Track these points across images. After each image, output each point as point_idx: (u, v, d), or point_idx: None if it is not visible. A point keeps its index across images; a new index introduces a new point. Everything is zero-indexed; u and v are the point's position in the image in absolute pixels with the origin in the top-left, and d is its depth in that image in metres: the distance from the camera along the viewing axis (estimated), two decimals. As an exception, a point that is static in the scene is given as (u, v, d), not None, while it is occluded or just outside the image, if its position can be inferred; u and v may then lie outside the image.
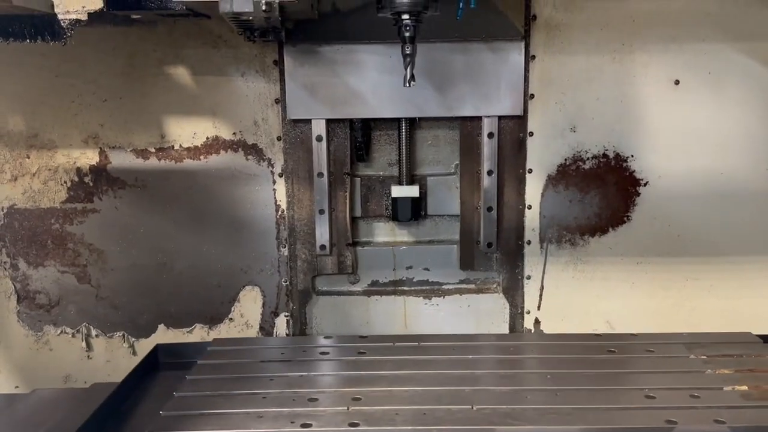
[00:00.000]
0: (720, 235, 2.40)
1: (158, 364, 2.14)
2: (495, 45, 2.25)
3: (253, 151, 2.38)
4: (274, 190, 2.40)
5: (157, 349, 2.17)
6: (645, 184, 2.38)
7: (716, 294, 2.43)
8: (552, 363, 1.96)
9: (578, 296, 2.45)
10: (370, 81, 2.27)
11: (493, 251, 2.41)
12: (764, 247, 2.40)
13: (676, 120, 2.33)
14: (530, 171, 2.38)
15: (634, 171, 2.38)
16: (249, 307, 2.47)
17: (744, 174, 2.36)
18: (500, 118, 2.31)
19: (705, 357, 1.93)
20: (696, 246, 2.41)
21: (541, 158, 2.37)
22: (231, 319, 2.48)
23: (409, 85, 1.85)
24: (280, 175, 2.39)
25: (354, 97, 2.28)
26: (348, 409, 1.70)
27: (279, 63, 2.31)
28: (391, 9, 1.77)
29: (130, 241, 2.42)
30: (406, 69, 1.85)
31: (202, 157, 2.38)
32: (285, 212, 2.41)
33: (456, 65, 2.26)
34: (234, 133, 2.37)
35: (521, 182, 2.38)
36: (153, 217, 2.41)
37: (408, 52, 1.84)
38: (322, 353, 2.07)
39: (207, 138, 2.37)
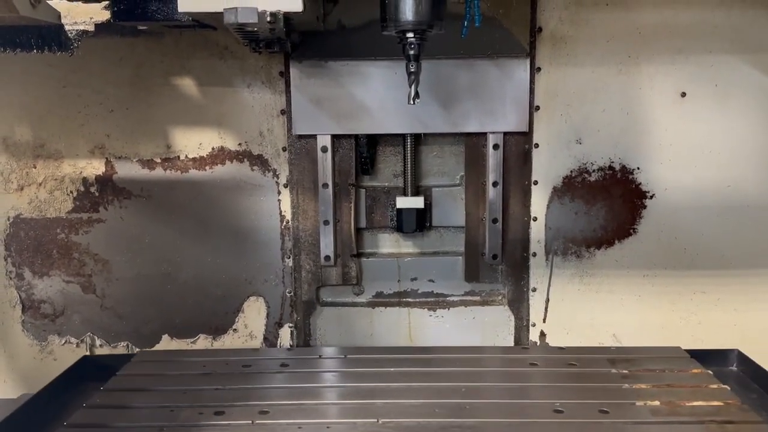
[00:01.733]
0: (727, 248, 2.38)
1: (84, 376, 2.11)
2: (500, 62, 2.25)
3: (259, 161, 2.39)
4: (279, 200, 2.40)
5: (84, 361, 2.16)
6: (651, 197, 2.37)
7: (724, 307, 2.41)
8: (471, 376, 1.94)
9: (584, 309, 2.44)
10: (375, 97, 2.27)
11: (499, 263, 2.40)
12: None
13: (683, 132, 2.32)
14: (536, 183, 2.37)
15: (640, 183, 2.37)
16: (253, 317, 2.47)
17: (751, 186, 2.34)
18: (505, 134, 2.31)
19: (626, 372, 1.91)
20: (703, 259, 2.39)
21: (547, 170, 2.36)
22: (235, 329, 2.47)
23: (414, 103, 1.85)
24: (285, 186, 2.39)
25: (359, 113, 2.28)
26: (252, 422, 1.68)
27: (285, 74, 2.31)
28: (396, 27, 1.77)
29: (135, 251, 2.42)
30: (410, 87, 1.85)
31: (207, 167, 2.39)
32: (290, 223, 2.41)
33: (461, 82, 2.26)
34: (239, 144, 2.38)
35: (527, 194, 2.37)
36: (158, 228, 2.41)
37: (412, 70, 1.84)
38: (245, 366, 2.05)
39: (213, 148, 2.38)
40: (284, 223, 2.42)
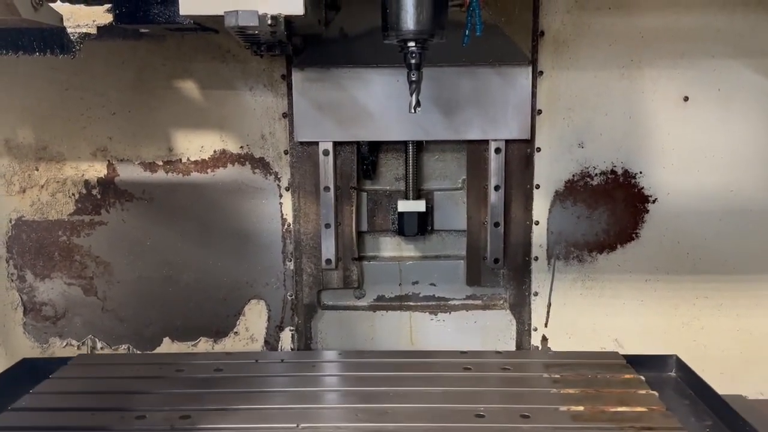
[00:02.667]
0: (730, 253, 2.37)
1: (21, 378, 2.11)
2: (502, 70, 2.25)
3: (260, 164, 2.39)
4: (281, 203, 2.40)
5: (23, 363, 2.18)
6: (654, 201, 2.36)
7: (726, 312, 2.40)
8: (401, 381, 1.93)
9: (586, 314, 2.43)
10: (377, 104, 2.27)
11: (500, 267, 2.39)
12: (773, 265, 2.37)
13: (686, 136, 2.32)
14: (537, 186, 2.36)
15: (642, 188, 2.36)
16: (254, 320, 2.47)
17: (754, 191, 2.33)
18: (507, 141, 2.31)
19: (558, 376, 1.91)
20: (706, 263, 2.38)
21: (549, 174, 2.36)
22: (236, 332, 2.47)
23: (415, 112, 1.86)
24: (287, 189, 2.39)
25: (361, 120, 2.28)
26: (172, 428, 1.69)
27: (287, 77, 2.32)
28: (397, 36, 1.77)
29: (136, 254, 2.42)
30: (411, 96, 1.85)
31: (209, 170, 2.39)
32: (291, 226, 2.41)
33: (463, 89, 2.26)
34: (241, 147, 2.38)
35: (528, 198, 2.37)
36: (160, 230, 2.41)
37: (413, 79, 1.84)
38: (178, 370, 2.05)
39: (214, 151, 2.38)
40: (286, 226, 2.41)
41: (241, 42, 1.86)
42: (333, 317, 2.47)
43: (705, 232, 2.36)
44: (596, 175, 2.36)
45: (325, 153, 2.32)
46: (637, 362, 2.01)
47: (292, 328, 2.46)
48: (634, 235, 2.39)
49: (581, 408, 1.73)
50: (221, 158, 2.38)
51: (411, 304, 2.48)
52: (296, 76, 2.27)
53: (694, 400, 1.88)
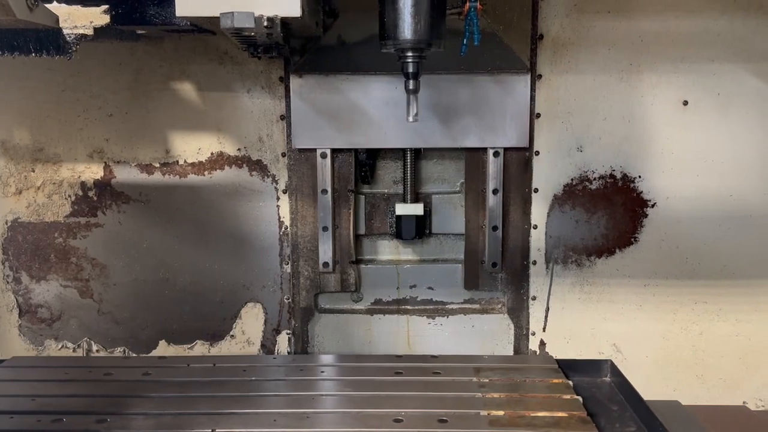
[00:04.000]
0: (729, 258, 2.36)
1: None
2: (501, 78, 2.24)
3: (258, 167, 2.38)
4: (278, 206, 2.39)
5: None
6: (653, 206, 2.35)
7: (725, 318, 2.39)
8: (327, 386, 1.93)
9: (584, 318, 2.42)
10: (375, 111, 2.27)
11: (498, 271, 2.38)
12: (771, 270, 2.36)
13: (685, 141, 2.31)
14: (536, 190, 2.35)
15: (641, 192, 2.35)
16: (251, 324, 2.45)
17: (753, 196, 2.32)
18: (506, 149, 2.31)
19: (486, 380, 1.90)
20: (704, 268, 2.37)
21: (548, 178, 2.35)
22: (232, 336, 2.46)
23: (413, 120, 1.85)
24: (284, 192, 2.38)
25: (359, 126, 2.27)
26: (85, 431, 1.68)
27: (284, 79, 2.31)
28: (395, 46, 1.77)
29: (132, 256, 2.41)
30: (409, 105, 1.85)
31: (206, 172, 2.38)
32: (288, 229, 2.40)
33: (461, 97, 2.25)
34: (239, 149, 2.37)
35: (527, 202, 2.36)
36: (156, 232, 2.40)
37: (411, 88, 1.84)
38: (106, 374, 2.02)
39: (212, 153, 2.37)
40: (283, 229, 2.40)
41: (238, 44, 1.85)
42: (330, 321, 2.46)
43: (704, 236, 2.35)
44: (595, 179, 2.35)
45: (323, 156, 2.31)
46: (571, 367, 2.00)
47: (288, 331, 2.45)
48: (632, 240, 2.38)
49: (501, 413, 1.72)
50: (218, 160, 2.37)
51: (409, 307, 2.46)
52: (294, 83, 2.26)
53: (623, 406, 1.85)
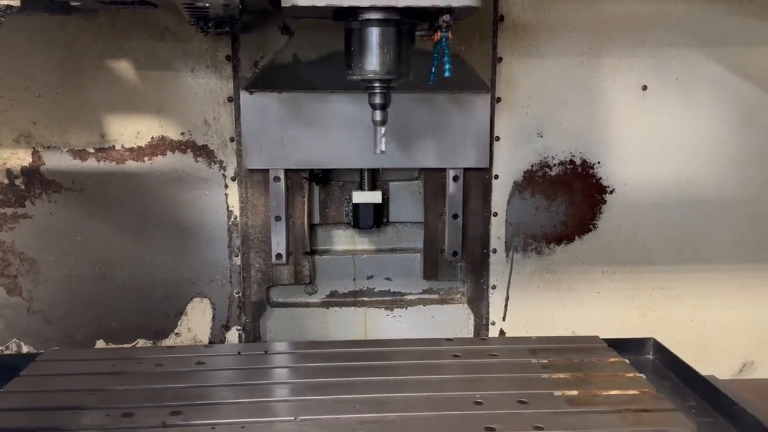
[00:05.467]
0: (686, 244, 2.37)
1: None
2: (461, 97, 2.17)
3: (204, 152, 2.22)
4: (226, 194, 2.24)
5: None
6: (611, 192, 2.33)
7: (682, 303, 2.40)
8: (393, 369, 1.88)
9: (544, 306, 2.38)
10: (331, 130, 2.17)
11: (459, 260, 2.31)
12: (730, 255, 2.38)
13: (644, 126, 2.29)
14: (496, 177, 2.29)
15: (600, 178, 2.32)
16: (197, 320, 2.30)
17: (710, 181, 2.33)
18: (465, 169, 2.25)
19: (546, 361, 1.90)
20: (662, 254, 2.37)
21: (508, 164, 2.29)
22: (177, 333, 2.30)
23: (380, 153, 1.78)
24: (233, 179, 2.23)
25: (314, 146, 2.17)
26: (164, 424, 1.57)
27: (232, 58, 2.15)
28: (362, 76, 1.68)
29: (65, 250, 2.21)
30: (376, 136, 1.77)
31: (146, 158, 2.20)
32: (238, 219, 2.25)
33: (421, 116, 2.17)
34: (182, 133, 2.20)
35: (487, 189, 2.29)
36: (91, 224, 2.21)
37: (378, 119, 1.75)
38: (157, 365, 1.90)
39: (152, 138, 2.19)
40: (232, 218, 2.26)
41: (187, 17, 1.70)
42: (283, 315, 2.33)
43: (661, 222, 2.35)
44: (555, 165, 2.30)
45: (276, 179, 2.21)
46: (615, 346, 2.00)
47: (239, 327, 2.31)
48: (591, 226, 2.35)
49: (575, 392, 1.71)
50: (160, 145, 2.20)
51: (366, 299, 2.37)
52: (245, 101, 2.14)
53: (676, 382, 1.90)
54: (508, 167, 2.29)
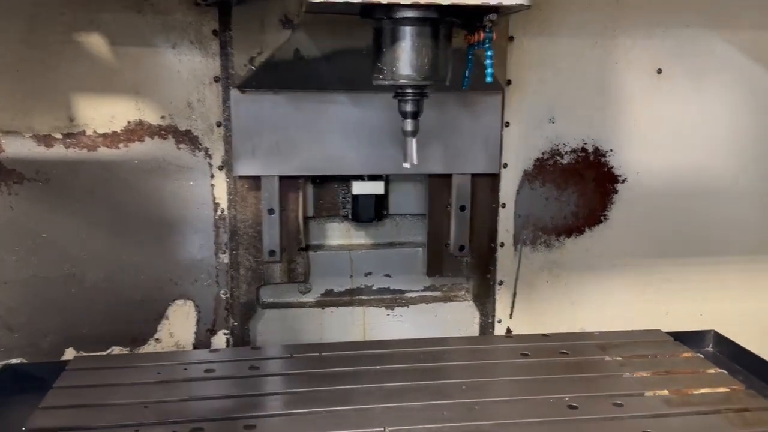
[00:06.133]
0: (696, 235, 2.27)
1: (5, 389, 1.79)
2: (470, 97, 2.01)
3: (187, 138, 1.99)
4: (213, 185, 2.03)
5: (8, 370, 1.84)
6: (623, 181, 2.21)
7: (692, 296, 2.31)
8: (466, 371, 1.77)
9: (552, 303, 2.25)
10: (332, 133, 1.98)
11: (466, 255, 2.15)
12: (742, 247, 2.30)
13: (658, 112, 2.17)
14: (505, 165, 2.14)
15: (612, 167, 2.20)
16: (180, 324, 2.08)
17: (723, 170, 2.24)
18: (473, 175, 2.10)
19: (620, 358, 1.84)
20: (672, 246, 2.27)
21: (518, 151, 2.14)
22: (158, 339, 2.08)
23: (410, 166, 1.64)
24: (220, 168, 2.01)
25: (312, 150, 1.99)
26: None
27: (219, 34, 1.93)
28: (393, 80, 1.51)
29: (29, 248, 1.96)
30: (406, 148, 1.63)
31: (121, 145, 1.96)
32: (225, 212, 2.04)
33: (427, 118, 1.96)
34: (162, 117, 1.97)
35: (495, 179, 2.14)
36: (59, 219, 1.96)
37: (410, 130, 1.61)
38: (207, 371, 1.76)
39: (128, 122, 1.95)
40: (219, 212, 2.04)
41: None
42: (275, 316, 2.14)
43: (673, 213, 2.25)
44: (566, 153, 2.17)
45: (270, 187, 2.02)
46: (677, 340, 1.97)
47: (226, 331, 2.10)
48: (602, 218, 2.23)
49: (666, 392, 1.65)
50: (137, 130, 1.96)
51: (364, 298, 2.19)
52: (237, 102, 1.94)
53: (747, 375, 1.87)
54: (517, 156, 2.14)
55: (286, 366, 1.79)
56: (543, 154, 2.15)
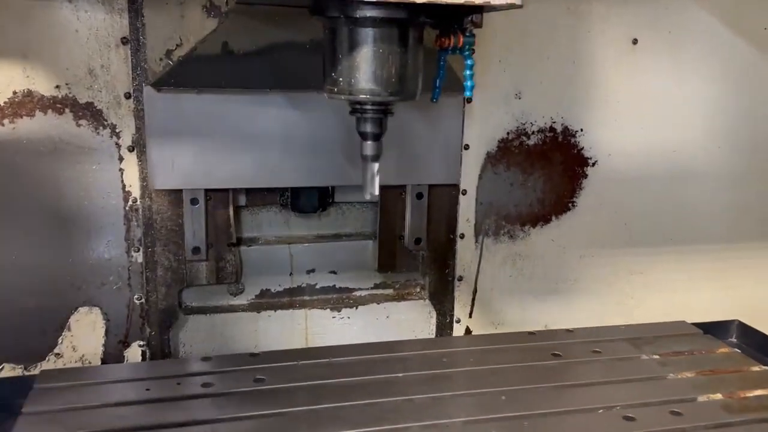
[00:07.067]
0: (669, 222, 2.10)
1: None
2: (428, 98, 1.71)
3: (88, 113, 1.64)
4: (122, 170, 1.68)
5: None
6: (593, 164, 2.00)
7: (661, 288, 2.14)
8: (497, 377, 1.57)
9: (515, 299, 2.04)
10: (266, 138, 1.69)
11: (423, 248, 1.90)
12: (713, 235, 2.14)
13: (631, 86, 1.97)
14: (467, 147, 1.88)
15: (582, 148, 1.98)
16: (85, 336, 1.74)
17: (699, 151, 2.07)
18: (431, 186, 1.85)
19: (657, 357, 1.71)
20: (644, 234, 2.09)
21: (481, 131, 1.89)
22: (58, 354, 1.74)
23: (369, 197, 1.40)
24: (131, 149, 1.67)
25: (242, 159, 1.69)
26: None
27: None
28: (352, 95, 1.25)
29: None
30: (365, 177, 1.37)
31: (6, 121, 1.59)
32: (138, 202, 1.70)
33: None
34: (57, 87, 1.60)
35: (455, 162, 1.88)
36: (-73, 212, 1.59)
37: (369, 154, 1.35)
38: (205, 385, 1.48)
39: (14, 93, 1.59)
40: (130, 202, 1.70)
41: None
42: (201, 323, 1.82)
43: (645, 199, 2.06)
44: (533, 132, 1.93)
45: (193, 202, 1.72)
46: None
47: (142, 342, 1.78)
48: (570, 205, 2.02)
49: (719, 396, 1.52)
50: (26, 103, 1.60)
51: (306, 298, 1.91)
52: (152, 102, 1.61)
53: None
54: (480, 136, 1.89)
55: (294, 376, 1.53)
56: (508, 134, 1.91)
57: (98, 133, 1.65)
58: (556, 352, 1.69)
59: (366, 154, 1.35)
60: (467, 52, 1.28)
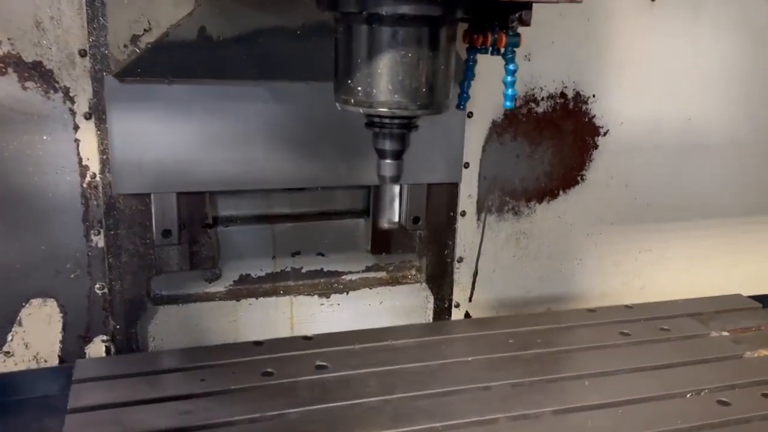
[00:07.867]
0: (681, 196, 1.97)
1: None
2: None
3: (36, 73, 1.40)
4: (77, 140, 1.45)
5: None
6: (605, 134, 1.83)
7: (669, 267, 2.01)
8: (574, 361, 1.49)
9: (518, 281, 1.88)
10: (248, 134, 1.48)
11: (422, 228, 1.71)
12: (726, 210, 2.00)
13: (647, 47, 1.80)
14: (470, 115, 1.69)
15: (594, 116, 1.81)
16: (39, 331, 1.52)
17: (714, 120, 1.92)
18: (430, 185, 1.67)
19: (727, 333, 1.65)
20: (653, 210, 1.95)
21: (486, 96, 1.69)
22: (8, 353, 1.51)
23: (388, 226, 1.37)
24: (88, 117, 1.43)
25: (221, 160, 1.48)
26: None
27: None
28: (370, 108, 1.06)
29: None
30: (383, 202, 1.41)
31: (-65, 83, 1.34)
32: (98, 178, 1.47)
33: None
34: (-2, 42, 1.35)
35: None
36: None
37: (388, 175, 1.17)
38: (266, 374, 1.38)
39: (-56, 49, 1.33)
40: (88, 178, 1.47)
41: None
42: (172, 314, 1.61)
43: (657, 170, 1.92)
44: (543, 98, 1.75)
45: (165, 203, 1.51)
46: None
47: (105, 337, 1.57)
48: (579, 178, 1.85)
49: None
50: (-42, 61, 1.34)
51: (291, 284, 1.72)
52: (115, 95, 1.39)
53: None
54: (485, 102, 1.69)
55: (353, 362, 1.43)
56: (516, 100, 1.72)
57: (48, 97, 1.41)
58: (624, 331, 1.62)
59: (383, 175, 1.16)
60: (510, 55, 1.08)
